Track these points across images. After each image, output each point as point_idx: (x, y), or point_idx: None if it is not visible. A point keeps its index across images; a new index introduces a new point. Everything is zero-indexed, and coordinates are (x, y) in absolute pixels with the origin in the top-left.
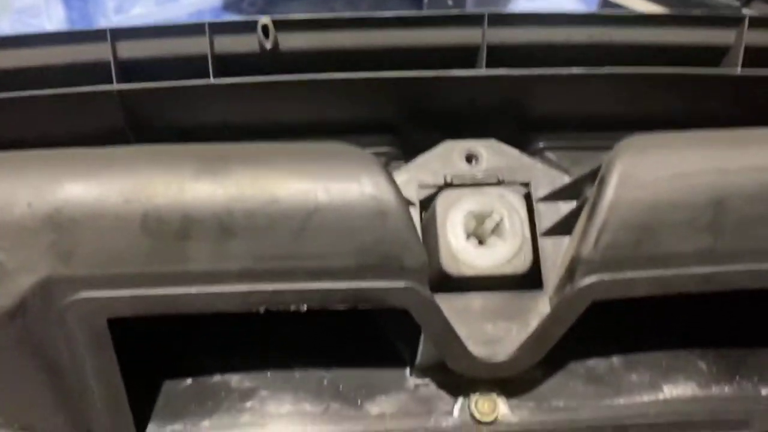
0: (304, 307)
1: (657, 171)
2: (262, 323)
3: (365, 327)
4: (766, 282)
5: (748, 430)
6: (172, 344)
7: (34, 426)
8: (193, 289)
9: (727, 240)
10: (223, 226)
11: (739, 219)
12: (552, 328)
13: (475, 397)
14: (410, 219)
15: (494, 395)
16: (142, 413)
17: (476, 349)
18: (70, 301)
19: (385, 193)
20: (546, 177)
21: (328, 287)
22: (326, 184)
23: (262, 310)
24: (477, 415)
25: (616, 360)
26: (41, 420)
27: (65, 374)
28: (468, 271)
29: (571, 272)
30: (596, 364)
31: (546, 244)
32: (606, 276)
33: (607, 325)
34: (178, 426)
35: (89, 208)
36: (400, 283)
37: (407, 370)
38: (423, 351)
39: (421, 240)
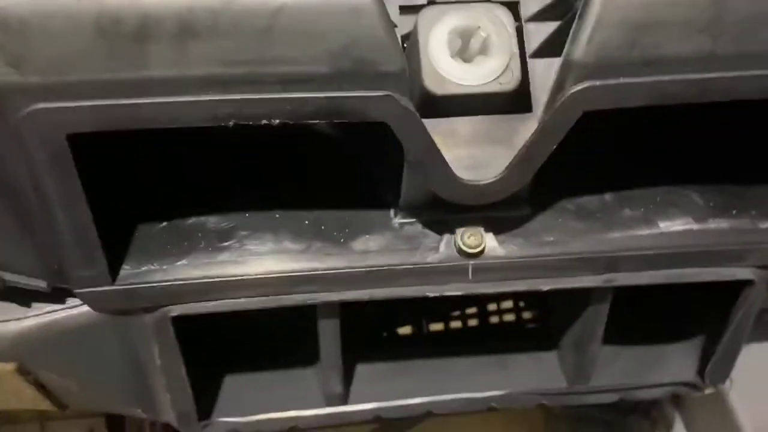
0: (276, 122)
1: None
2: (241, 166)
3: (347, 172)
4: (766, 91)
5: (743, 262)
6: (145, 187)
7: (1, 262)
8: (156, 99)
9: (728, 42)
10: (184, 25)
11: (741, 19)
12: (541, 144)
13: (461, 231)
14: (388, 19)
15: (481, 230)
16: (114, 252)
17: (462, 173)
18: (24, 113)
19: None
20: None
21: (300, 96)
22: None
23: (231, 124)
24: (463, 248)
25: (608, 197)
26: (5, 252)
27: (27, 199)
28: (453, 89)
29: (561, 81)
30: (587, 201)
31: (535, 65)
32: (598, 81)
33: (598, 162)
34: (153, 266)
35: (37, 5)
36: (377, 92)
37: (391, 212)
38: (407, 182)
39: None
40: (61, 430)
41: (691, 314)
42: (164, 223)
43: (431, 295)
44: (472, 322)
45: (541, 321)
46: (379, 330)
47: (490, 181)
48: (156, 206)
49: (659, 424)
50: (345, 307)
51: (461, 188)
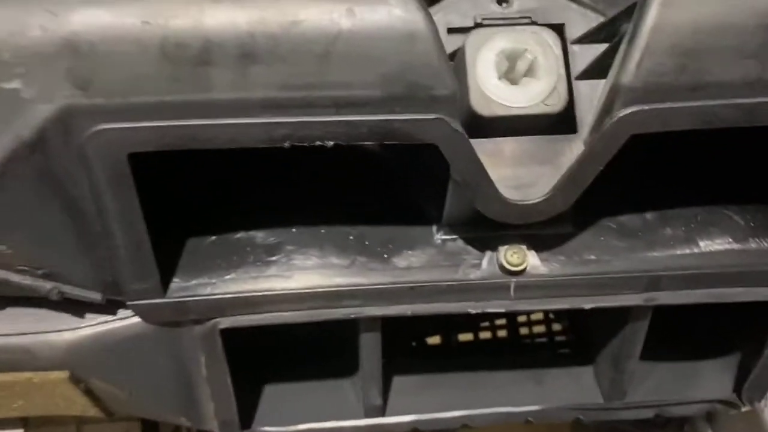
0: (330, 144)
1: None
2: (288, 182)
3: (390, 188)
4: None
5: None
6: (196, 203)
7: (57, 272)
8: (216, 121)
9: None
10: (245, 51)
11: None
12: (587, 166)
13: (503, 249)
14: (440, 44)
15: (524, 248)
16: (166, 266)
17: (508, 192)
18: (90, 133)
19: (415, 15)
20: (581, 17)
21: (354, 119)
22: (351, 6)
23: (287, 145)
24: (506, 266)
25: (649, 215)
26: (64, 266)
27: (87, 215)
28: (500, 111)
29: (608, 105)
30: (629, 219)
31: (581, 86)
32: (646, 106)
33: (638, 181)
34: (203, 279)
35: (106, 31)
36: (429, 115)
37: (434, 228)
38: (451, 199)
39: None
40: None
41: (729, 331)
42: (213, 237)
43: (473, 311)
44: (502, 333)
45: (576, 335)
46: (409, 339)
47: (536, 201)
48: (205, 221)
49: None
50: (385, 320)
51: (507, 208)
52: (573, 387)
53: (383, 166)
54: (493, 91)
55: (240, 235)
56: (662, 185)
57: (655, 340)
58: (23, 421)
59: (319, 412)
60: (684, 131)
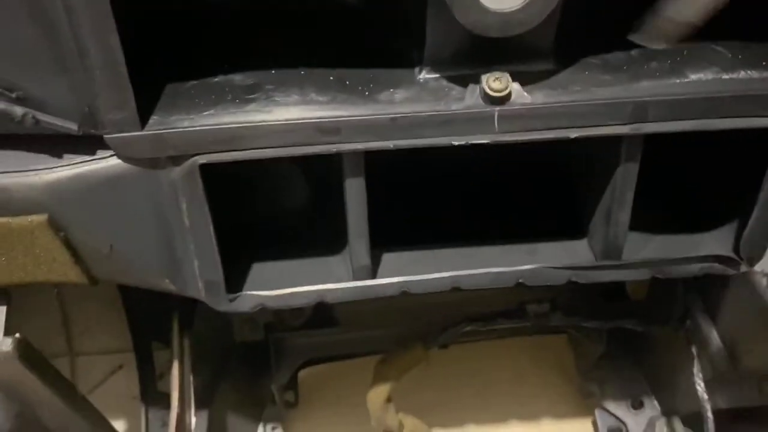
0: None
1: None
2: (266, 34)
3: (371, 36)
4: None
5: None
6: (175, 54)
7: (32, 96)
8: None
9: None
10: None
11: None
12: None
13: (486, 77)
14: None
15: (507, 75)
16: (144, 102)
17: (486, 1)
18: None
19: None
20: None
21: None
22: None
23: None
24: (489, 92)
25: (634, 53)
26: (38, 88)
27: (60, 29)
28: None
29: None
30: (614, 56)
31: None
32: None
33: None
34: (182, 115)
35: None
36: None
37: (416, 69)
38: (431, 28)
39: None
40: (90, 365)
41: (725, 194)
42: (192, 82)
43: (456, 143)
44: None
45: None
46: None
47: (514, 9)
48: (184, 69)
49: (693, 337)
50: (371, 168)
51: (485, 16)
52: (566, 254)
53: (362, 16)
54: None
55: (219, 78)
56: None
57: (651, 210)
58: (6, 299)
59: (308, 277)
60: None
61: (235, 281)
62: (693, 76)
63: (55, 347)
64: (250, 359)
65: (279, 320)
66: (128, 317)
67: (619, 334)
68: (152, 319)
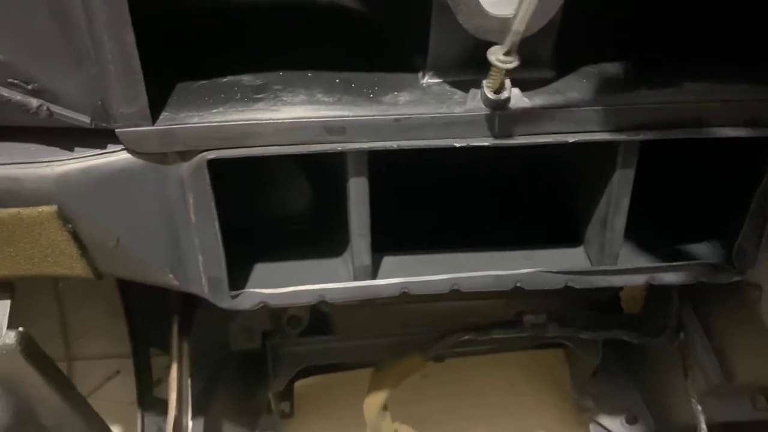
0: None
1: None
2: (274, 40)
3: (376, 42)
4: None
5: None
6: (185, 53)
7: (47, 89)
8: None
9: None
10: None
11: None
12: None
13: (486, 82)
14: None
15: (507, 81)
16: (155, 98)
17: (488, 7)
18: None
19: None
20: None
21: None
22: None
23: None
24: (489, 95)
25: (632, 62)
26: (54, 81)
27: (76, 24)
28: None
29: None
30: (612, 66)
31: None
32: None
33: (624, 36)
34: (191, 112)
35: None
36: None
37: (420, 74)
38: (434, 33)
39: None
40: (87, 369)
41: (720, 204)
42: (202, 82)
43: (458, 145)
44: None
45: (567, 215)
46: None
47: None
48: (194, 69)
49: (687, 350)
50: (373, 174)
51: (487, 21)
52: (563, 260)
53: (367, 22)
54: None
55: (228, 78)
56: (645, 39)
57: (647, 220)
58: (10, 293)
59: (309, 276)
60: None
61: (237, 279)
62: (688, 85)
63: (52, 351)
64: (247, 368)
65: (276, 328)
66: (128, 322)
67: (614, 349)
68: (152, 324)
